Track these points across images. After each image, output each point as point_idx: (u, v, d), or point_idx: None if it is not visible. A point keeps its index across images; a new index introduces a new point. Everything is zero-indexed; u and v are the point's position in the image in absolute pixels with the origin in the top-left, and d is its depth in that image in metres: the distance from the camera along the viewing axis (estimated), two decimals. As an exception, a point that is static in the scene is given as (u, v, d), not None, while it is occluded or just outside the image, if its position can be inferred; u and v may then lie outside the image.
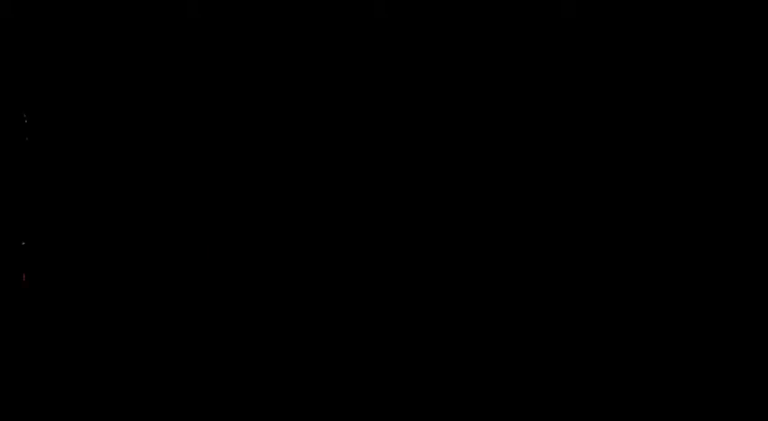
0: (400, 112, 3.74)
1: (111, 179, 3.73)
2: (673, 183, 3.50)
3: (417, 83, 3.76)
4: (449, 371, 3.10)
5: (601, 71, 3.60)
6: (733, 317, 3.20)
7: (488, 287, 3.40)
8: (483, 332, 3.25)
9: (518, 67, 3.67)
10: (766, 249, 3.33)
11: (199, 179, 3.70)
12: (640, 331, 3.20)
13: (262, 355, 3.27)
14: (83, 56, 3.82)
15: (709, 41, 3.48)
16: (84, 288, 3.60)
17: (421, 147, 3.70)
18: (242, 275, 3.47)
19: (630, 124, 3.57)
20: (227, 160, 3.68)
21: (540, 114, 3.64)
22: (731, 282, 3.29)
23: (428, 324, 3.27)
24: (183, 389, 3.18)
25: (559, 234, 3.49)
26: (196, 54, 3.59)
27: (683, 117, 3.53)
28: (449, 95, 3.73)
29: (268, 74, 3.76)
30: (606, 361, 3.12)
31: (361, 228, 3.59)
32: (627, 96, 3.58)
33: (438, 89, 3.74)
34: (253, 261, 3.51)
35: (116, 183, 3.71)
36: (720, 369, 3.02)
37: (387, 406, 2.94)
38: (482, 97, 3.71)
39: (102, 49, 3.82)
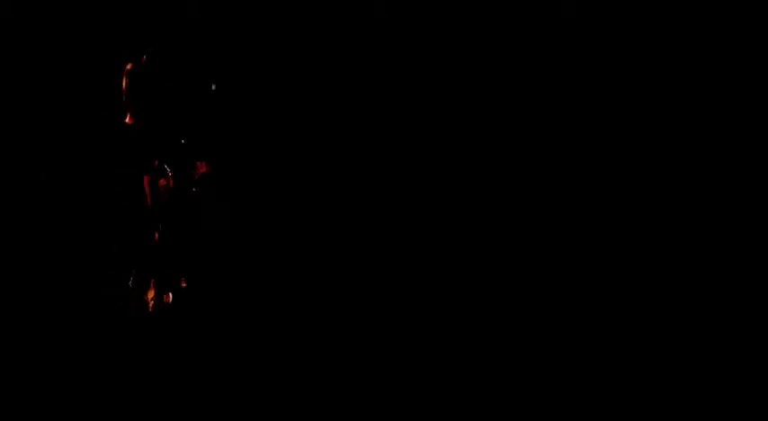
0: (400, 112, 3.74)
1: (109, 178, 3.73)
2: (672, 182, 3.51)
3: (418, 82, 3.75)
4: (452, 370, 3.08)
5: (601, 71, 3.61)
6: (733, 317, 3.20)
7: (490, 286, 3.40)
8: (486, 332, 3.24)
9: (518, 66, 3.67)
10: (766, 249, 3.33)
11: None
12: (640, 331, 3.20)
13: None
14: (83, 56, 3.82)
15: (709, 41, 3.48)
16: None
17: (420, 146, 3.70)
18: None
19: (630, 124, 3.58)
20: (227, 158, 3.67)
21: (540, 113, 3.64)
22: (731, 282, 3.29)
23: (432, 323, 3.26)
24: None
25: (561, 233, 3.49)
26: (196, 53, 3.58)
27: (682, 117, 3.53)
28: (449, 95, 3.73)
29: (268, 73, 3.76)
30: (606, 360, 3.12)
31: (361, 227, 3.59)
32: (627, 96, 3.58)
33: (438, 88, 3.74)
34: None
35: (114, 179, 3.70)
36: (720, 369, 3.02)
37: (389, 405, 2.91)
38: (482, 96, 3.70)
39: (105, 48, 3.82)
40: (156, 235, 3.30)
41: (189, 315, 3.19)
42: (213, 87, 3.34)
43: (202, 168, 3.31)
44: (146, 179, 3.28)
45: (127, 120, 3.25)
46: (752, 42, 3.44)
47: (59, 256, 3.46)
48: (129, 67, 3.27)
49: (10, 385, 2.73)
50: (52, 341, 2.99)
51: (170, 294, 3.24)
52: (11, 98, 3.81)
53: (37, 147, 3.77)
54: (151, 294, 3.24)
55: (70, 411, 2.63)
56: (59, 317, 3.14)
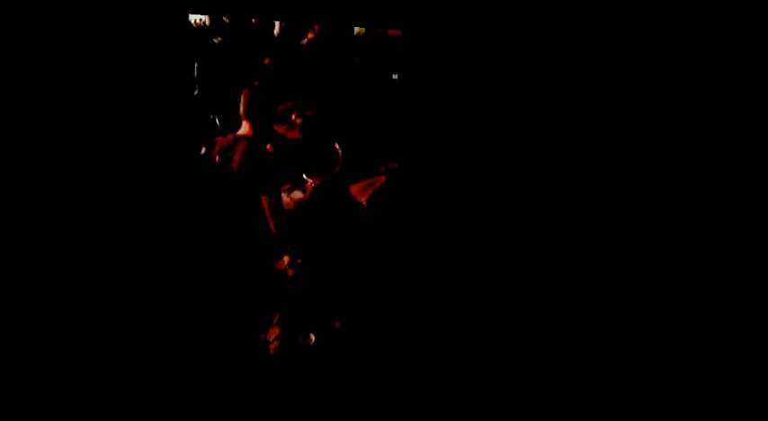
0: (400, 111, 3.74)
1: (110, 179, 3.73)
2: (672, 182, 3.50)
3: (417, 82, 3.76)
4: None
5: (601, 71, 3.60)
6: (733, 317, 3.19)
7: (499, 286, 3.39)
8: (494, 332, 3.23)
9: (518, 66, 3.67)
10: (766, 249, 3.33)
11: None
12: (642, 331, 3.19)
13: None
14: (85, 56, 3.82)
15: (708, 41, 3.48)
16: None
17: (417, 145, 3.70)
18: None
19: (630, 123, 3.58)
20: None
21: (540, 113, 3.64)
22: (731, 282, 3.29)
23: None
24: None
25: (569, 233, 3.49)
26: (197, 52, 3.59)
27: (682, 116, 3.53)
28: (448, 94, 3.73)
29: (268, 70, 3.76)
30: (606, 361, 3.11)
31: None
32: (627, 96, 3.58)
33: (438, 88, 3.74)
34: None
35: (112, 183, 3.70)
36: (720, 369, 3.02)
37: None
38: (482, 96, 3.71)
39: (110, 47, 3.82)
40: (286, 260, 2.66)
41: (344, 364, 2.39)
42: (395, 76, 2.69)
43: (378, 183, 2.66)
44: (264, 199, 2.62)
45: (244, 131, 2.73)
46: (752, 42, 3.44)
47: (59, 256, 3.46)
48: (255, 83, 2.79)
49: (10, 385, 2.73)
50: (52, 341, 2.99)
51: (311, 336, 2.55)
52: (11, 98, 3.80)
53: (37, 147, 3.77)
54: (273, 333, 2.58)
55: (70, 412, 2.63)
56: (59, 317, 3.14)
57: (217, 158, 2.72)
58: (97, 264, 3.42)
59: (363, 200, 2.62)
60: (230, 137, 2.76)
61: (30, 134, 3.78)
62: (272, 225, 2.58)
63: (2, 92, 3.80)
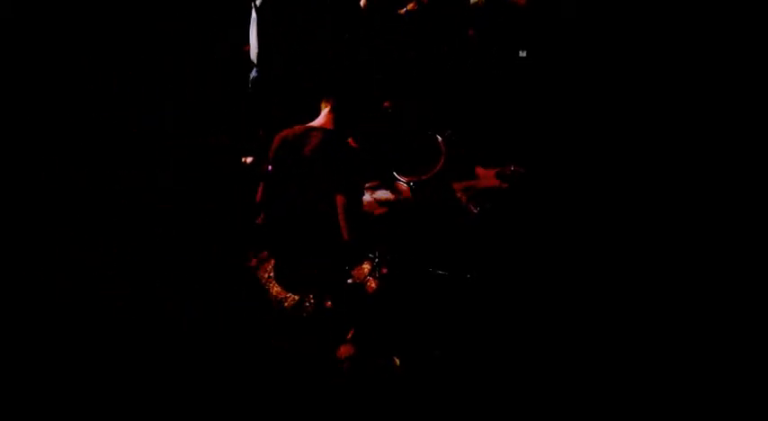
0: (399, 111, 3.74)
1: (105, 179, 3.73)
2: (672, 182, 3.51)
3: (415, 82, 3.76)
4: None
5: (600, 71, 3.61)
6: (733, 318, 3.19)
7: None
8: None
9: (518, 66, 3.68)
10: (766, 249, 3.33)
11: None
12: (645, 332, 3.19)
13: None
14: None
15: (708, 41, 3.49)
16: None
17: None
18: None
19: (630, 123, 3.58)
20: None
21: (540, 113, 3.65)
22: (731, 283, 3.29)
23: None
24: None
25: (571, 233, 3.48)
26: (203, 52, 3.57)
27: (682, 116, 3.53)
28: (448, 95, 3.74)
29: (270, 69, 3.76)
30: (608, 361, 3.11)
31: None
32: (626, 96, 3.58)
33: (437, 88, 3.74)
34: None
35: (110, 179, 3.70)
36: (720, 369, 3.01)
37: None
38: (482, 96, 3.71)
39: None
40: (366, 268, 2.23)
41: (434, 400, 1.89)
42: (523, 53, 2.13)
43: (490, 185, 2.17)
44: (339, 200, 2.12)
45: (321, 121, 2.26)
46: (752, 42, 3.44)
47: (59, 256, 3.46)
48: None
49: (10, 385, 2.72)
50: (53, 341, 2.98)
51: (396, 360, 2.12)
52: (11, 98, 3.80)
53: (37, 147, 3.77)
54: (345, 351, 2.18)
55: (71, 412, 2.63)
56: (60, 317, 3.14)
57: (271, 155, 2.31)
58: (97, 264, 3.41)
59: (468, 203, 2.15)
60: (298, 128, 2.30)
61: (30, 134, 3.77)
62: (344, 229, 2.12)
63: (2, 92, 3.80)
